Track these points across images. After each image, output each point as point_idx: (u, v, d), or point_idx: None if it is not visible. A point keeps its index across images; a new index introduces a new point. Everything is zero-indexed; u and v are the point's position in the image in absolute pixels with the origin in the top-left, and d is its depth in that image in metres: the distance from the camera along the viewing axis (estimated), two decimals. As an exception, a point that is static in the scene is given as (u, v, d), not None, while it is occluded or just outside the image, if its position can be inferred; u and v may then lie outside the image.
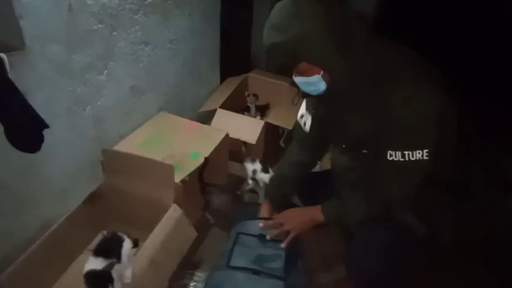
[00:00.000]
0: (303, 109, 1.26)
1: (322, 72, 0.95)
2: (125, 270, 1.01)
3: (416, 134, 0.92)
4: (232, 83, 2.24)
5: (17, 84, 0.95)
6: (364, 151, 1.05)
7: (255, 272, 1.08)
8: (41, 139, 1.07)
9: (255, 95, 2.17)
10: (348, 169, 1.17)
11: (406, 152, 0.92)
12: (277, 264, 1.11)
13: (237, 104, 2.07)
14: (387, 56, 0.95)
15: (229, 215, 1.56)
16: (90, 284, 0.92)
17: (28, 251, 1.14)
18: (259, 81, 2.30)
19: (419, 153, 0.91)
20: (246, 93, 2.20)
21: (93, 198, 1.37)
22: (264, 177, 1.75)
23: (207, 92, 2.17)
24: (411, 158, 0.92)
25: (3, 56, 0.94)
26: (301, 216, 1.14)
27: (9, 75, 0.96)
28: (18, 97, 0.99)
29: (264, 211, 1.30)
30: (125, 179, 1.37)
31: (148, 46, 1.59)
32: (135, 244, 1.11)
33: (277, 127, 1.94)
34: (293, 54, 0.91)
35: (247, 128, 1.84)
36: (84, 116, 1.35)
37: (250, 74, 2.34)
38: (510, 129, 2.30)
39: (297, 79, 1.00)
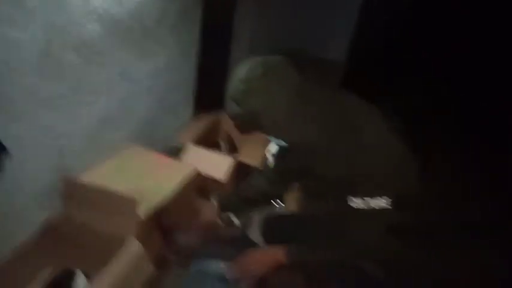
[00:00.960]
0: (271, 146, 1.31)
1: None
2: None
3: (378, 182, 0.95)
4: (205, 118, 2.27)
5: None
6: (329, 197, 1.07)
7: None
8: (1, 163, 1.04)
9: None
10: (313, 213, 1.20)
11: (368, 200, 0.95)
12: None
13: (208, 140, 2.09)
14: (350, 107, 1.02)
15: (192, 254, 1.51)
16: None
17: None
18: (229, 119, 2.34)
19: (382, 201, 0.94)
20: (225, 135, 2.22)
21: (46, 229, 1.30)
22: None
23: (179, 127, 2.18)
24: (374, 206, 0.94)
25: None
26: (264, 258, 1.13)
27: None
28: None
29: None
30: (84, 210, 1.32)
31: (124, 80, 1.60)
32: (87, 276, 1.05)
33: (248, 165, 1.96)
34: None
35: (217, 165, 1.85)
36: (49, 144, 1.31)
37: (223, 112, 2.38)
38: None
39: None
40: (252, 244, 1.41)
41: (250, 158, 1.99)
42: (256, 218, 1.58)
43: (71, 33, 1.24)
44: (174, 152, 1.89)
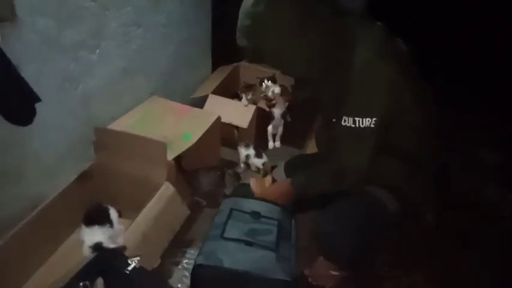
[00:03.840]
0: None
1: None
2: (117, 238, 1.00)
3: (366, 100, 0.98)
4: (224, 71, 2.25)
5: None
6: (333, 120, 1.08)
7: (248, 244, 1.09)
8: (33, 112, 1.07)
9: (250, 86, 2.18)
10: (325, 144, 1.22)
11: (356, 118, 0.98)
12: (270, 238, 1.13)
13: (228, 92, 2.08)
14: (351, 27, 1.02)
15: (220, 195, 1.56)
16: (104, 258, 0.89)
17: (16, 229, 1.12)
18: (250, 70, 2.31)
19: (368, 120, 0.97)
20: (243, 84, 2.21)
21: (84, 178, 1.37)
22: (257, 162, 1.77)
23: (198, 80, 2.18)
24: (361, 125, 0.98)
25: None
26: (275, 191, 1.22)
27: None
28: (10, 68, 0.99)
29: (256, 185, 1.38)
30: (117, 158, 1.36)
31: (140, 28, 1.59)
32: (120, 214, 1.11)
33: (269, 112, 1.96)
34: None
35: (239, 113, 1.86)
36: (74, 94, 1.34)
37: (242, 63, 2.36)
38: (485, 121, 2.36)
39: None
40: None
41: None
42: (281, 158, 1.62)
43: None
44: (195, 102, 1.91)
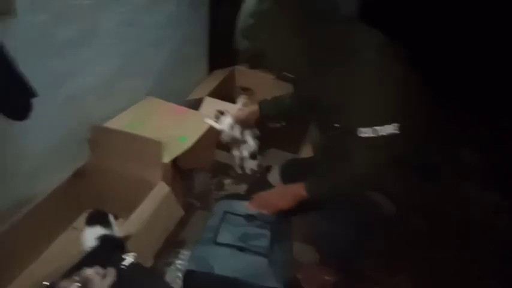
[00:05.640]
0: None
1: None
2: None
3: (384, 104, 0.95)
4: (220, 74, 2.26)
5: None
6: (336, 125, 1.09)
7: (240, 249, 1.10)
8: (29, 107, 1.06)
9: (246, 89, 2.18)
10: (327, 149, 1.22)
11: (377, 128, 0.95)
12: (262, 243, 1.13)
13: (223, 96, 2.09)
14: (351, 32, 1.02)
15: (213, 198, 1.57)
16: (105, 248, 0.88)
17: (7, 225, 1.11)
18: (246, 74, 2.33)
19: (389, 127, 0.94)
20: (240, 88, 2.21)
21: (78, 176, 1.36)
22: (252, 164, 1.77)
23: (194, 82, 2.17)
24: (383, 134, 0.94)
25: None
26: (285, 192, 1.17)
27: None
28: (8, 62, 0.98)
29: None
30: (112, 157, 1.36)
31: (136, 28, 1.58)
32: (116, 218, 1.10)
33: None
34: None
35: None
36: (68, 92, 1.32)
37: (237, 67, 2.37)
38: (467, 120, 2.43)
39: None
40: (271, 186, 1.45)
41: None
42: (276, 161, 1.63)
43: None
44: (191, 104, 1.91)
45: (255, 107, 1.45)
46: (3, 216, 1.14)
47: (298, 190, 1.12)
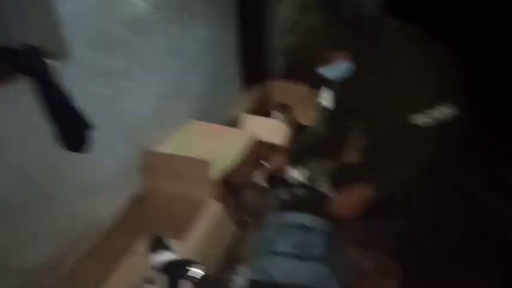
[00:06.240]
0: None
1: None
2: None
3: (432, 90, 0.94)
4: (254, 91, 2.31)
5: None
6: (383, 121, 1.08)
7: (299, 257, 1.08)
8: (88, 140, 1.14)
9: (284, 106, 2.20)
10: (377, 150, 1.20)
11: (430, 112, 0.94)
12: (320, 251, 1.11)
13: (259, 111, 2.13)
14: (391, 28, 1.02)
15: (265, 212, 1.56)
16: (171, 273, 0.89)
17: (79, 256, 1.18)
18: (279, 88, 2.37)
19: (442, 108, 0.93)
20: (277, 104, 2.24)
21: (135, 200, 1.41)
22: (298, 175, 1.75)
23: (229, 101, 2.24)
24: (438, 116, 0.93)
25: (53, 63, 1.02)
26: (352, 199, 1.13)
27: (58, 81, 1.03)
28: (66, 98, 1.07)
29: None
30: (164, 180, 1.42)
31: (174, 55, 1.67)
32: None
33: (304, 126, 1.98)
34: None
35: (274, 131, 1.88)
36: (120, 120, 1.40)
37: (270, 82, 2.42)
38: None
39: (323, 69, 1.08)
40: (324, 196, 1.43)
41: (304, 119, 2.00)
42: (321, 171, 1.60)
43: (122, 8, 1.31)
44: (230, 123, 1.95)
45: (282, 158, 1.43)
46: (73, 241, 1.21)
47: (365, 192, 1.09)
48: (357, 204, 1.11)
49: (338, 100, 1.29)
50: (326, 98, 1.37)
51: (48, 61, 1.01)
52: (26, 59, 0.97)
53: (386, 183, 1.08)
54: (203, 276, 0.74)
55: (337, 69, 1.06)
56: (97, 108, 1.27)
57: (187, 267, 0.78)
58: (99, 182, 1.34)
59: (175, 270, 0.78)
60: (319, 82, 1.28)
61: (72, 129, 1.11)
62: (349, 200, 1.14)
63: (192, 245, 1.19)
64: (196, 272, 0.75)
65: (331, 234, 1.17)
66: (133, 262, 1.29)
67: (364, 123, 1.24)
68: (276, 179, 1.47)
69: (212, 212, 1.31)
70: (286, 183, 1.51)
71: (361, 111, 1.17)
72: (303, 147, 1.43)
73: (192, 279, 0.72)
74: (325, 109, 1.36)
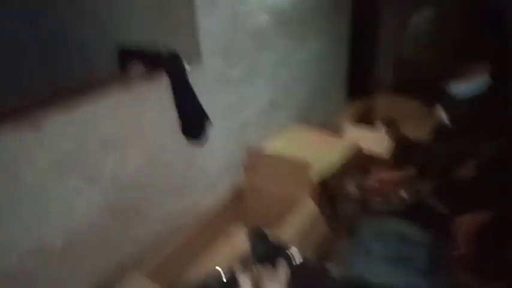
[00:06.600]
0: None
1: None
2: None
3: None
4: (358, 103, 2.30)
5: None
6: None
7: (395, 264, 1.06)
8: (207, 133, 1.31)
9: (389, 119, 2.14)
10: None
11: None
12: (419, 264, 1.06)
13: (362, 123, 2.11)
14: None
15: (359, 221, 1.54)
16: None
17: (182, 236, 1.32)
18: (386, 102, 2.31)
19: None
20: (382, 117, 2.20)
21: (237, 193, 1.55)
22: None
23: (332, 111, 2.28)
24: None
25: (188, 67, 1.22)
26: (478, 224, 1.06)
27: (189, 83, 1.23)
28: (195, 96, 1.26)
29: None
30: (265, 177, 1.52)
31: (286, 66, 1.79)
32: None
33: (410, 140, 1.89)
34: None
35: (377, 142, 1.85)
36: (233, 122, 1.57)
37: (377, 95, 2.37)
38: None
39: (457, 86, 0.98)
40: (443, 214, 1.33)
41: (412, 132, 1.92)
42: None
43: (249, 22, 1.48)
44: (333, 131, 1.98)
45: (399, 173, 1.35)
46: (179, 221, 1.38)
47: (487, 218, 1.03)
48: (478, 229, 1.04)
49: (463, 117, 1.14)
50: (443, 115, 1.26)
51: (185, 65, 1.20)
52: (168, 62, 1.18)
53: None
54: (303, 261, 0.78)
55: (472, 84, 0.95)
56: (218, 108, 1.45)
57: (286, 251, 0.83)
58: (209, 174, 1.51)
59: (274, 252, 0.84)
60: (434, 98, 1.17)
61: (195, 122, 1.29)
62: (473, 225, 1.06)
63: (286, 239, 1.25)
64: (296, 254, 0.79)
65: (437, 250, 1.10)
66: (230, 251, 1.41)
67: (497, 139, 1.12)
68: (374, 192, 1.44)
69: (307, 210, 1.35)
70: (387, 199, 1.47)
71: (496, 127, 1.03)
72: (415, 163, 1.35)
73: (291, 261, 0.77)
74: (442, 126, 1.25)
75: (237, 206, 1.57)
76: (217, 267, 0.84)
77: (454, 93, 0.99)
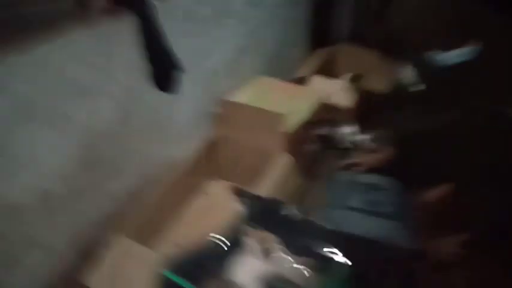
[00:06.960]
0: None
1: None
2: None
3: None
4: (322, 52, 2.31)
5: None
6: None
7: (371, 214, 1.12)
8: (178, 81, 1.23)
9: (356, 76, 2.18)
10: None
11: None
12: (391, 209, 1.15)
13: (326, 73, 2.13)
14: None
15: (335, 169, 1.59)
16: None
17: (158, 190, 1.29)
18: (347, 53, 2.34)
19: None
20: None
21: (208, 145, 1.53)
22: (364, 138, 1.76)
23: (298, 60, 2.26)
24: None
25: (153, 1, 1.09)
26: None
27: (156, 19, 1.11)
28: (163, 39, 1.15)
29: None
30: (236, 129, 1.49)
31: (257, 8, 1.69)
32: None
33: (372, 92, 1.97)
34: None
35: (341, 92, 1.90)
36: (202, 68, 1.46)
37: (339, 46, 2.40)
38: None
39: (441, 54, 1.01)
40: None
41: (373, 83, 1.99)
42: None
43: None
44: (297, 82, 1.98)
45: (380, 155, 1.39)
46: (153, 173, 1.34)
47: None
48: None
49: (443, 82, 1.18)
50: (408, 77, 1.29)
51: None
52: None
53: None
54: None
55: (459, 53, 0.98)
56: (186, 52, 1.29)
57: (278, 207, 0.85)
58: (177, 123, 1.43)
59: (269, 212, 0.85)
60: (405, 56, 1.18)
61: (164, 69, 1.20)
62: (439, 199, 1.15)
63: (265, 192, 1.27)
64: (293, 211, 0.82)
65: (402, 195, 1.20)
66: (204, 204, 1.43)
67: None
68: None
69: (282, 163, 1.37)
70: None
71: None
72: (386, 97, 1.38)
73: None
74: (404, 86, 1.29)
75: (210, 157, 1.53)
76: (211, 234, 0.83)
77: (437, 59, 1.03)
